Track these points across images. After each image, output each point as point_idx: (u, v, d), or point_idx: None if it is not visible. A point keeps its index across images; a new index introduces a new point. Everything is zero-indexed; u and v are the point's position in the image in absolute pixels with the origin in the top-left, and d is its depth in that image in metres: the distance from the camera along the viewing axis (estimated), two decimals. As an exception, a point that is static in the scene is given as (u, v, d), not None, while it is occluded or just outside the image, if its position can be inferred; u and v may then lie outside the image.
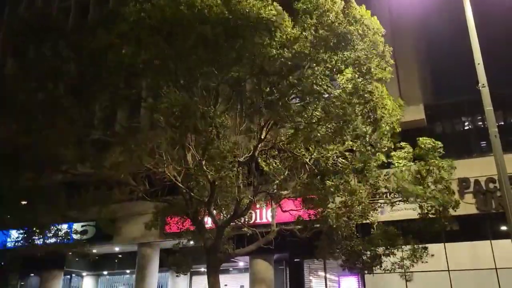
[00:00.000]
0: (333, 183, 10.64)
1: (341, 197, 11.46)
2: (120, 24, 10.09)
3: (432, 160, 12.08)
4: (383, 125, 11.11)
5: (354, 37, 10.21)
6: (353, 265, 12.54)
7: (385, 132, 11.32)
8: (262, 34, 9.30)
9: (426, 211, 11.99)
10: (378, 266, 12.55)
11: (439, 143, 12.39)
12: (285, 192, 12.52)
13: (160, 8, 9.69)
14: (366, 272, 12.53)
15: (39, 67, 10.85)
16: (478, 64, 10.90)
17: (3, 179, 12.63)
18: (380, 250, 12.44)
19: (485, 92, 10.68)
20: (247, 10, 9.29)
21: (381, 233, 12.57)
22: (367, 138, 10.71)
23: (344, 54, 10.13)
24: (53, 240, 15.45)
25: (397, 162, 12.22)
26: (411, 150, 12.37)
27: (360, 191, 11.35)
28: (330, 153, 10.83)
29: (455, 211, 12.16)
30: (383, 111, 10.97)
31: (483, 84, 10.70)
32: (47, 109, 10.71)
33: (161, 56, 9.86)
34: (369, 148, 11.02)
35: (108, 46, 9.99)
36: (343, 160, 10.99)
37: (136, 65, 10.03)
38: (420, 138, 12.45)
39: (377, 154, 11.43)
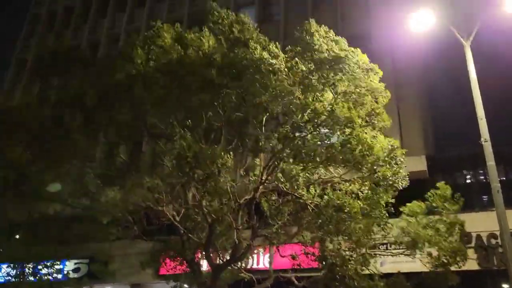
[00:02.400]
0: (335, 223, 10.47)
1: (344, 241, 11.27)
2: (128, 65, 10.35)
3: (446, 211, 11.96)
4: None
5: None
6: None
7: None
8: (265, 75, 9.48)
9: (435, 260, 11.68)
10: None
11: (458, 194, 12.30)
12: (285, 237, 12.33)
13: (167, 50, 9.97)
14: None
15: (56, 96, 11.04)
16: (481, 119, 11.03)
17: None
18: None
19: (488, 147, 10.73)
20: (251, 55, 9.55)
21: (385, 285, 12.21)
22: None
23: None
24: (45, 276, 15.08)
25: (408, 214, 12.03)
26: (422, 204, 12.26)
27: (364, 236, 11.13)
28: (335, 195, 10.75)
29: (464, 264, 11.89)
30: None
31: (485, 139, 10.78)
32: (57, 138, 10.79)
33: (167, 97, 10.03)
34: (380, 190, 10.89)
35: (118, 85, 10.19)
36: (350, 202, 10.83)
37: (143, 104, 10.19)
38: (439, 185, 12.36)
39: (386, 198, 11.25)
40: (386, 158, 10.63)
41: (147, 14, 28.94)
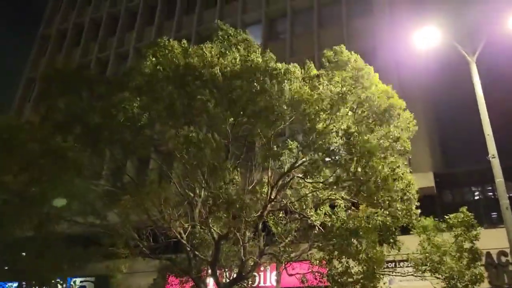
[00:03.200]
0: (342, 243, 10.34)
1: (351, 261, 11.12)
2: (136, 77, 10.43)
3: (464, 231, 11.70)
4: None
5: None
6: None
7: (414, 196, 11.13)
8: (274, 85, 9.51)
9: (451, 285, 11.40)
10: None
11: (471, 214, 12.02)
12: (293, 255, 12.22)
13: (175, 56, 10.09)
14: None
15: (55, 116, 11.11)
16: (488, 135, 10.99)
17: (4, 229, 12.51)
18: None
19: (496, 163, 10.66)
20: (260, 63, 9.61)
21: None
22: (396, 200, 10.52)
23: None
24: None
25: (421, 231, 11.83)
26: (434, 220, 12.07)
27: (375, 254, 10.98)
28: (343, 215, 10.66)
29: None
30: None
31: (493, 155, 10.72)
32: (57, 159, 10.81)
33: (173, 107, 10.10)
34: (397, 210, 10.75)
35: (121, 101, 10.28)
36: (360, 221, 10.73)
37: (148, 116, 10.27)
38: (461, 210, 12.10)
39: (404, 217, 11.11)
40: (400, 194, 10.50)
41: (155, 32, 29.35)
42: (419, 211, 11.56)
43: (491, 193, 18.84)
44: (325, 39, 23.36)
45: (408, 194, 11.01)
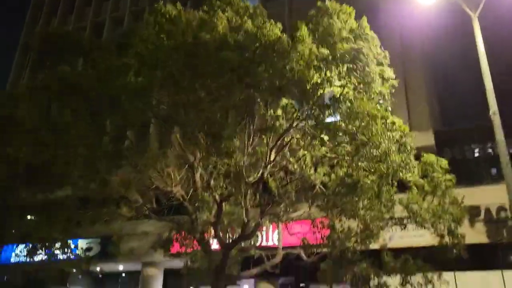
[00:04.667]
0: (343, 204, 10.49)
1: (351, 219, 11.31)
2: (138, 44, 10.20)
3: (437, 176, 11.97)
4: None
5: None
6: None
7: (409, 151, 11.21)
8: (282, 56, 9.32)
9: (439, 230, 11.74)
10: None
11: (443, 159, 12.32)
12: (293, 215, 12.42)
13: (182, 30, 9.83)
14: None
15: (55, 84, 10.99)
16: (489, 91, 10.91)
17: (10, 194, 12.69)
18: (396, 279, 12.16)
19: (496, 120, 10.65)
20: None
21: (393, 259, 12.32)
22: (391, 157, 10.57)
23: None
24: (57, 256, 15.37)
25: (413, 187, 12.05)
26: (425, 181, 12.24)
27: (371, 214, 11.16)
28: (342, 173, 10.73)
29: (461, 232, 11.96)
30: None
31: (494, 112, 10.68)
32: (59, 127, 10.78)
33: (177, 77, 9.92)
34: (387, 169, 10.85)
35: (123, 66, 10.10)
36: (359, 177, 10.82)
37: (149, 86, 10.11)
38: (425, 155, 12.39)
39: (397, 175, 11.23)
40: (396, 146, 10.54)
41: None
42: (417, 162, 11.70)
43: (491, 150, 18.92)
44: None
45: (405, 146, 11.07)
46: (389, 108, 11.25)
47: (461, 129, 18.64)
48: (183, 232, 13.53)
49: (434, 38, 19.37)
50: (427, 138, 18.35)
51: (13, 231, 14.51)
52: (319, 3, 10.58)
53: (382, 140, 9.70)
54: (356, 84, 10.02)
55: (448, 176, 12.10)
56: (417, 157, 12.39)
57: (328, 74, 9.60)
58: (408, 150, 10.99)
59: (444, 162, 12.26)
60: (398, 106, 15.33)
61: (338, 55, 9.59)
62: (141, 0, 29.47)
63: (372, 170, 10.38)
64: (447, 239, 11.81)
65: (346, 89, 9.84)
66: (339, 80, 9.81)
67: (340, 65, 9.66)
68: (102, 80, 10.07)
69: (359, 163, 10.20)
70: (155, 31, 9.98)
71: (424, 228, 11.92)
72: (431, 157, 12.34)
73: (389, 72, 10.94)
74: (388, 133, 10.25)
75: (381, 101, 10.80)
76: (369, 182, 10.60)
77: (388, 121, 10.38)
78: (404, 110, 18.25)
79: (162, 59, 9.78)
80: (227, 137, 9.66)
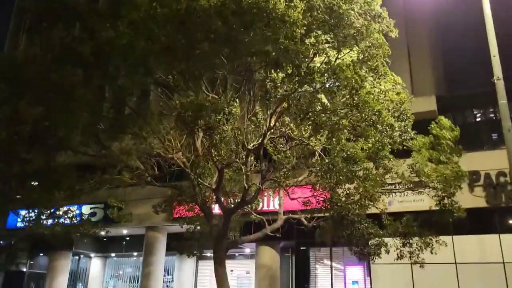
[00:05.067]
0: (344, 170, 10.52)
1: (352, 183, 11.41)
2: (131, 13, 10.00)
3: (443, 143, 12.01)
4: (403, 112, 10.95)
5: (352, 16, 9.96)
6: (361, 251, 12.43)
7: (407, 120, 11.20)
8: (275, 26, 9.11)
9: (439, 194, 11.85)
10: (385, 254, 12.45)
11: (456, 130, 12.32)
12: (294, 181, 12.50)
13: None
14: (372, 259, 12.42)
15: (53, 49, 10.85)
16: (494, 56, 10.73)
17: (14, 160, 12.77)
18: (397, 240, 12.37)
19: (500, 85, 10.52)
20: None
21: (393, 221, 12.49)
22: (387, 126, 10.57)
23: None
24: (61, 220, 15.64)
25: (416, 150, 12.07)
26: (427, 139, 12.24)
27: (371, 178, 11.23)
28: (342, 138, 10.72)
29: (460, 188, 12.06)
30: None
31: (498, 77, 10.55)
32: (61, 92, 10.72)
33: (172, 47, 9.79)
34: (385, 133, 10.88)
35: (119, 34, 9.93)
36: (356, 146, 10.84)
37: (146, 54, 9.97)
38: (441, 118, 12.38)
39: (394, 140, 11.26)
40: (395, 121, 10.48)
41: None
42: (414, 131, 11.71)
43: (492, 115, 18.84)
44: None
45: (403, 114, 11.04)
46: (384, 62, 11.13)
47: (464, 94, 18.47)
48: (185, 197, 13.70)
49: (439, 1, 18.89)
50: (430, 103, 18.23)
51: (18, 197, 14.70)
52: None
53: (372, 102, 9.67)
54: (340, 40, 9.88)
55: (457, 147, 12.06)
56: (419, 123, 12.38)
57: (313, 39, 9.45)
58: (405, 118, 10.95)
59: (456, 133, 12.17)
60: (401, 70, 15.16)
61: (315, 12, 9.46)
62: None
63: (367, 134, 10.40)
64: (446, 201, 11.92)
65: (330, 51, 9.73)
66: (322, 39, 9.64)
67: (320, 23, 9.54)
68: (101, 49, 9.94)
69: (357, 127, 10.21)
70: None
71: (428, 188, 12.00)
72: (445, 122, 12.25)
73: (384, 23, 10.72)
74: (381, 96, 10.21)
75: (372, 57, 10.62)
76: (366, 148, 10.65)
77: (381, 82, 10.33)
78: (407, 75, 18.03)
79: (155, 29, 9.63)
80: (224, 104, 9.61)
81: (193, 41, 9.42)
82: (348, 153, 10.35)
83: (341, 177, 10.40)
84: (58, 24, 11.12)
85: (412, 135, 11.54)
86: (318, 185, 11.33)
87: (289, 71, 9.54)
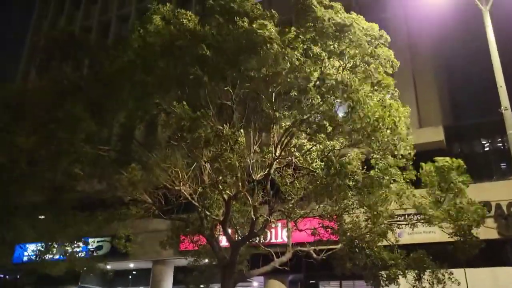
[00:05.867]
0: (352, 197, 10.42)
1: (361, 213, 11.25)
2: (128, 50, 10.34)
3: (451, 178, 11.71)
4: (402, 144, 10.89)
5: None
6: (374, 278, 12.05)
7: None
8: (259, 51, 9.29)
9: (452, 231, 11.56)
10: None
11: (460, 161, 11.97)
12: (302, 212, 12.37)
13: (159, 33, 9.98)
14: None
15: (60, 83, 11.06)
16: (501, 87, 10.78)
17: (20, 193, 12.79)
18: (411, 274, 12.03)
19: (508, 115, 10.52)
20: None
21: (404, 256, 12.19)
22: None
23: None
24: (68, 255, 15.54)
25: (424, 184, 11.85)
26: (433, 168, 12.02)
27: (381, 208, 11.07)
28: (350, 167, 10.66)
29: (477, 231, 11.74)
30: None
31: (506, 107, 10.56)
32: (65, 125, 10.84)
33: (166, 79, 10.04)
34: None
35: (121, 69, 10.21)
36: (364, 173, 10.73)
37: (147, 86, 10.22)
38: (438, 158, 12.12)
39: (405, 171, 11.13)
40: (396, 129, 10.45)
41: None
42: (432, 164, 11.51)
43: (500, 144, 18.72)
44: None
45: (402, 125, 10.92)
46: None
47: (472, 124, 18.44)
48: (191, 230, 13.57)
49: (444, 30, 19.16)
50: (437, 133, 18.20)
51: (25, 231, 14.66)
52: None
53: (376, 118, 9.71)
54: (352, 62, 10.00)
55: (463, 177, 11.74)
56: (427, 154, 12.27)
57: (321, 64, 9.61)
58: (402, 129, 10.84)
59: (461, 165, 11.88)
60: (407, 101, 15.20)
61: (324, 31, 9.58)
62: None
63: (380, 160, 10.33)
64: (459, 238, 11.62)
65: (343, 73, 9.82)
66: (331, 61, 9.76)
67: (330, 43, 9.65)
68: (107, 83, 10.18)
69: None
70: (139, 37, 10.16)
71: (437, 225, 11.75)
72: (445, 160, 11.91)
73: (387, 52, 10.78)
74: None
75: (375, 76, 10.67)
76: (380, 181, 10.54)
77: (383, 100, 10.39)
78: (413, 106, 18.08)
79: (149, 65, 9.96)
80: (232, 134, 9.67)
81: (185, 71, 9.69)
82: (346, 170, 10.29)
83: (345, 200, 10.28)
84: (68, 60, 11.40)
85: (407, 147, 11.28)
86: (326, 213, 11.19)
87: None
